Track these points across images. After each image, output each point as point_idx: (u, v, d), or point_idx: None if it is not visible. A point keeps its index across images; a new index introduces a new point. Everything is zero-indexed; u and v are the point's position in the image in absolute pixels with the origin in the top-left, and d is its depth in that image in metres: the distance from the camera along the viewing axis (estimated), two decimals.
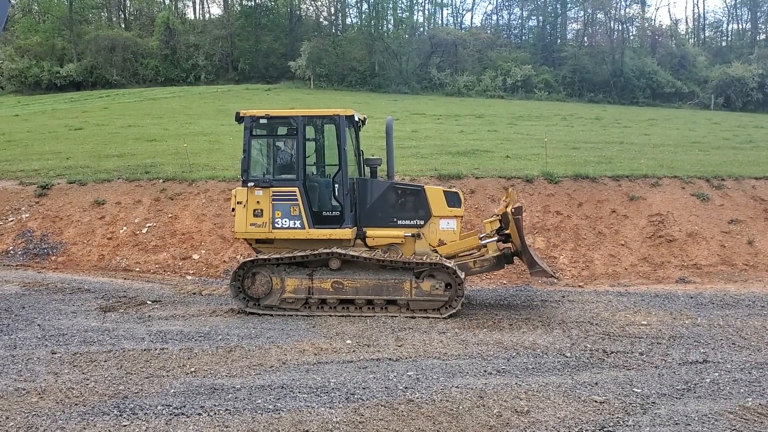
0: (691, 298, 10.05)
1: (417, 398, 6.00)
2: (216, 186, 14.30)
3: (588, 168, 14.94)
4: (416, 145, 19.03)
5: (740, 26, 59.76)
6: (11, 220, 13.99)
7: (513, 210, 9.26)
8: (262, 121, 9.25)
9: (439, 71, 47.12)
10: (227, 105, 31.54)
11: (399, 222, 9.38)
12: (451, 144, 19.43)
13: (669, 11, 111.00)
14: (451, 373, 6.70)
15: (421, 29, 55.76)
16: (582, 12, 55.41)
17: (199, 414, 5.67)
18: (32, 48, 47.26)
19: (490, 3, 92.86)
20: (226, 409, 5.76)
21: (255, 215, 9.17)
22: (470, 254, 9.87)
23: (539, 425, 5.49)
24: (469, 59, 49.10)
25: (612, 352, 7.40)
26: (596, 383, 6.42)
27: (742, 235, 12.52)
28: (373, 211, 9.41)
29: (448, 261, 9.10)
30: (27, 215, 14.06)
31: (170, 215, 13.61)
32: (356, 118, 9.58)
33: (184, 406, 5.80)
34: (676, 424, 5.52)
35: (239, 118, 9.28)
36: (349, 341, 7.82)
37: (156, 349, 7.45)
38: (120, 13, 57.14)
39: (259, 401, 5.94)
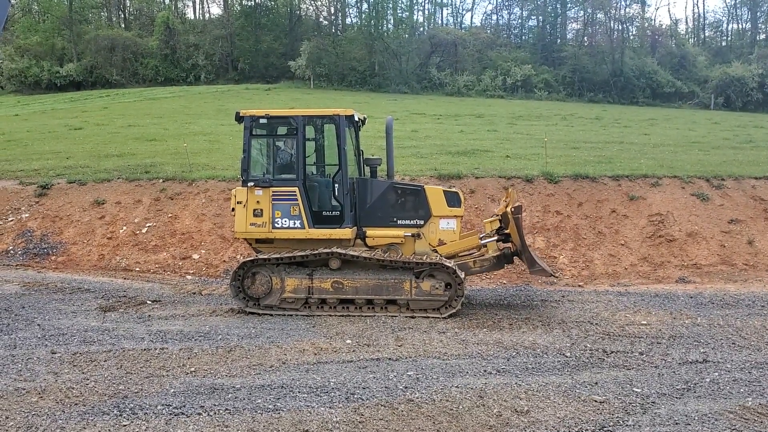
0: (691, 297, 10.05)
1: (417, 398, 6.00)
2: (216, 186, 14.30)
3: (588, 168, 14.94)
4: (416, 145, 19.02)
5: (740, 26, 59.84)
6: (11, 220, 13.99)
7: (513, 209, 9.27)
8: (261, 120, 9.25)
9: (439, 71, 47.12)
10: (227, 105, 31.54)
11: (399, 222, 9.38)
12: (451, 144, 19.43)
13: (669, 11, 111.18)
14: (451, 372, 6.70)
15: (421, 29, 55.80)
16: (582, 12, 55.48)
17: (199, 414, 5.67)
18: (32, 48, 47.24)
19: (490, 3, 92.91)
20: (226, 409, 5.76)
21: (255, 215, 9.17)
22: (470, 254, 9.87)
23: (539, 425, 5.49)
24: (469, 59, 49.09)
25: (612, 352, 7.40)
26: (596, 383, 6.42)
27: (742, 235, 12.52)
28: (373, 210, 9.41)
29: (448, 261, 9.10)
30: (27, 215, 14.06)
31: (170, 215, 13.61)
32: (356, 118, 9.57)
33: (184, 406, 5.81)
34: (676, 423, 5.52)
35: (239, 118, 9.28)
36: (349, 341, 7.82)
37: (156, 349, 7.45)
38: (120, 12, 57.14)
39: (259, 401, 5.95)
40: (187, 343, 7.72)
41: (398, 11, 52.63)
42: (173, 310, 9.43)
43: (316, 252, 9.00)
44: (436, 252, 9.34)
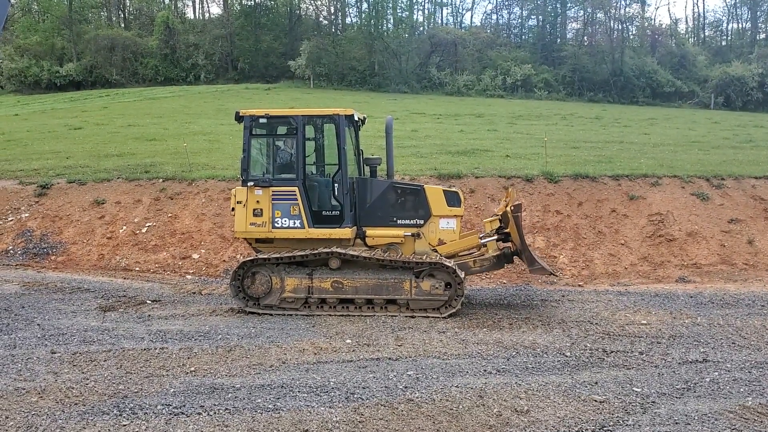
0: (691, 297, 10.05)
1: (417, 398, 6.00)
2: (216, 185, 14.30)
3: (588, 167, 14.94)
4: (416, 145, 19.02)
5: (740, 25, 59.82)
6: (11, 220, 13.99)
7: (512, 207, 9.28)
8: (261, 120, 9.24)
9: (439, 71, 47.10)
10: (227, 104, 31.53)
11: (399, 221, 9.38)
12: (450, 143, 19.42)
13: (669, 10, 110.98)
14: (450, 372, 6.70)
15: (421, 28, 55.77)
16: (582, 11, 55.41)
17: (199, 413, 5.66)
18: (32, 47, 47.21)
19: (489, 2, 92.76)
20: (226, 409, 5.76)
21: (255, 215, 9.16)
22: (470, 254, 9.87)
23: (539, 424, 5.49)
24: (469, 59, 49.08)
25: (612, 352, 7.40)
26: (596, 382, 6.42)
27: (742, 235, 12.52)
28: (373, 210, 9.41)
29: (448, 260, 9.10)
30: (27, 215, 14.05)
31: (170, 215, 13.61)
32: (356, 118, 9.57)
33: (184, 406, 5.80)
34: (676, 423, 5.52)
35: (239, 118, 9.27)
36: (348, 341, 7.82)
37: (156, 349, 7.45)
38: (120, 12, 57.10)
39: (259, 401, 5.94)
40: (187, 342, 7.72)
41: (398, 11, 52.66)
42: (173, 310, 9.43)
43: (316, 252, 9.00)
44: (436, 252, 9.34)
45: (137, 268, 12.38)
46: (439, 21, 59.15)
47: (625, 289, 10.73)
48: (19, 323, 8.58)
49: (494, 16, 61.70)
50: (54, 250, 13.03)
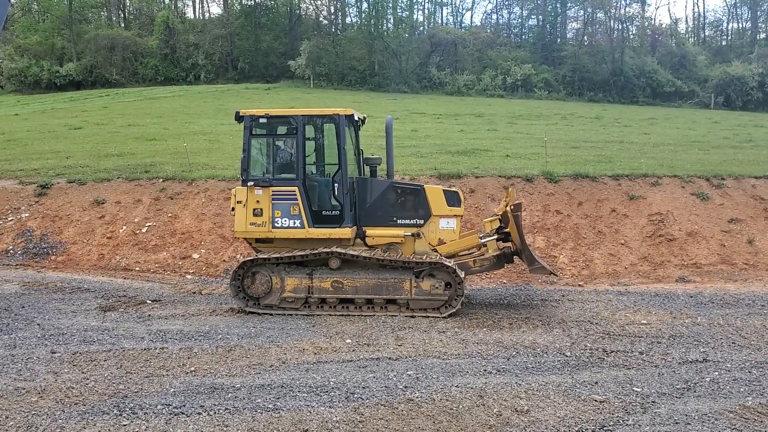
0: (691, 297, 10.05)
1: (417, 397, 6.00)
2: (216, 185, 14.30)
3: (588, 167, 14.94)
4: (416, 145, 19.02)
5: (740, 25, 59.82)
6: (11, 220, 13.99)
7: (512, 206, 9.28)
8: (261, 120, 9.24)
9: (439, 70, 47.09)
10: (227, 104, 31.53)
11: (399, 221, 9.38)
12: (450, 143, 19.42)
13: (669, 10, 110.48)
14: (450, 372, 6.70)
15: (421, 28, 55.76)
16: (582, 11, 55.40)
17: (199, 413, 5.66)
18: (32, 47, 47.21)
19: (489, 2, 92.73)
20: (226, 409, 5.76)
21: (255, 214, 9.16)
22: (470, 253, 9.87)
23: (539, 424, 5.48)
24: (469, 58, 49.08)
25: (612, 351, 7.40)
26: (596, 382, 6.42)
27: (742, 234, 12.52)
28: (373, 210, 9.40)
29: (448, 260, 9.10)
30: (27, 215, 14.05)
31: (170, 215, 13.61)
32: (356, 118, 9.57)
33: (184, 406, 5.80)
34: (676, 423, 5.52)
35: (239, 118, 9.27)
36: (348, 340, 7.82)
37: (156, 349, 7.45)
38: (120, 12, 57.10)
39: (259, 400, 5.94)
40: (187, 342, 7.72)
41: (398, 10, 52.64)
42: (173, 310, 9.43)
43: (316, 251, 9.00)
44: (436, 251, 9.34)
45: (137, 268, 12.38)
46: (439, 21, 59.21)
47: (625, 289, 10.73)
48: (19, 323, 8.58)
49: (494, 16, 61.80)
50: (54, 250, 13.03)
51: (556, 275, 10.78)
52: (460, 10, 68.64)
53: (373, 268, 9.09)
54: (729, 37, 59.69)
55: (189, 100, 35.42)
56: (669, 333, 8.11)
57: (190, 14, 58.46)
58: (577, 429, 5.40)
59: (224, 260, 12.39)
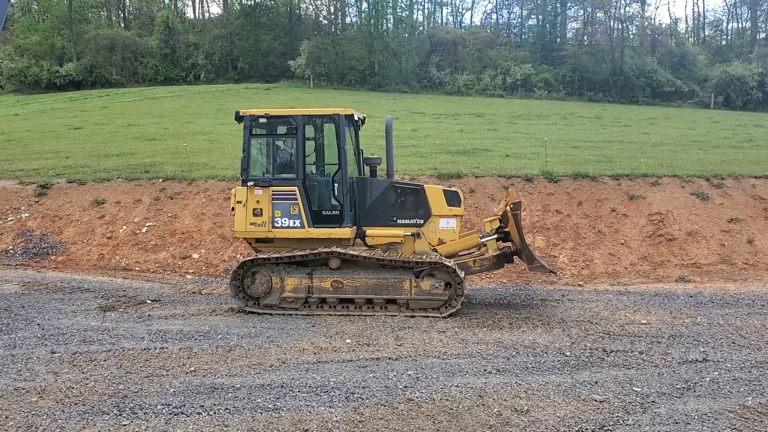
0: (691, 297, 10.05)
1: (417, 397, 6.00)
2: (216, 185, 14.30)
3: (588, 167, 14.94)
4: (416, 144, 19.02)
5: (740, 25, 59.83)
6: (11, 220, 13.99)
7: (512, 205, 9.28)
8: (261, 120, 9.24)
9: (439, 70, 47.09)
10: (227, 104, 31.53)
11: (399, 221, 9.38)
12: (450, 143, 19.42)
13: (669, 10, 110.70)
14: (450, 372, 6.70)
15: (421, 28, 55.76)
16: (582, 11, 55.38)
17: (199, 413, 5.66)
18: (32, 47, 47.21)
19: (489, 2, 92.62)
20: (226, 409, 5.76)
21: (255, 214, 9.16)
22: (470, 253, 9.87)
23: (539, 424, 5.49)
24: (469, 58, 49.08)
25: (612, 351, 7.40)
26: (596, 382, 6.42)
27: (742, 234, 12.52)
28: (373, 210, 9.41)
29: (448, 260, 9.10)
30: (26, 215, 14.05)
31: (170, 214, 13.61)
32: (356, 117, 9.57)
33: (184, 406, 5.80)
34: (676, 423, 5.52)
35: (239, 118, 9.27)
36: (348, 340, 7.82)
37: (156, 349, 7.45)
38: (119, 12, 57.10)
39: (259, 400, 5.94)
40: (186, 342, 7.72)
41: (398, 10, 52.60)
42: (173, 310, 9.43)
43: (316, 251, 9.00)
44: (436, 251, 9.34)
45: (137, 268, 12.38)
46: (439, 20, 59.21)
47: (625, 289, 10.73)
48: (19, 323, 8.58)
49: (494, 16, 61.79)
50: (54, 250, 13.03)
51: (556, 274, 10.78)
52: (460, 10, 68.67)
53: (373, 268, 9.09)
54: (729, 37, 59.74)
55: (189, 100, 35.41)
56: (669, 333, 8.12)
57: (190, 14, 58.57)
58: (577, 429, 5.40)
59: (224, 260, 12.39)
